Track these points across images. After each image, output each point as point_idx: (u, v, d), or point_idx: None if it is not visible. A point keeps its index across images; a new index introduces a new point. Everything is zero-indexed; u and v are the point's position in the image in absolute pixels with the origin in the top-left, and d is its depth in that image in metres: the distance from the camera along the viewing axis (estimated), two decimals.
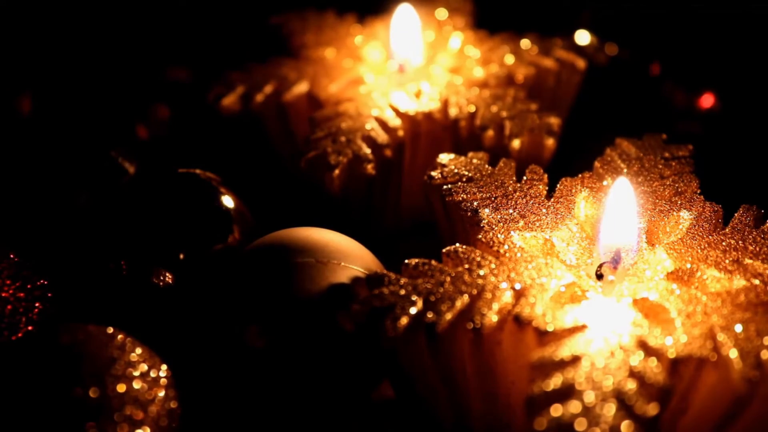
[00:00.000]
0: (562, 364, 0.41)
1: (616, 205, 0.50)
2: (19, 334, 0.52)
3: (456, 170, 0.55)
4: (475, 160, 0.56)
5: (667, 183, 0.55)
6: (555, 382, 0.40)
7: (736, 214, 0.51)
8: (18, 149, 0.71)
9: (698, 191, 0.54)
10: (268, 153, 0.71)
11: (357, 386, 0.51)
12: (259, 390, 0.51)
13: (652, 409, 0.39)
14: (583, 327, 0.42)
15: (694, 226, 0.51)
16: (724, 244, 0.49)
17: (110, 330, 0.46)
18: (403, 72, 0.70)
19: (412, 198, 0.67)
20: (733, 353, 0.41)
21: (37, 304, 0.53)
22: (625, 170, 0.56)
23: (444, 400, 0.48)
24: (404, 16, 0.71)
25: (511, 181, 0.54)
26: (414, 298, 0.44)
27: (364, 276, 0.48)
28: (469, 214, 0.51)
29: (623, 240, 0.49)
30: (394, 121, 0.63)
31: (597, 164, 0.57)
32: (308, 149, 0.61)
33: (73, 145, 0.69)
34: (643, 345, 0.41)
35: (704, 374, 0.42)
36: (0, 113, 0.77)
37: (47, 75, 0.82)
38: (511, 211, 0.51)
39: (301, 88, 0.68)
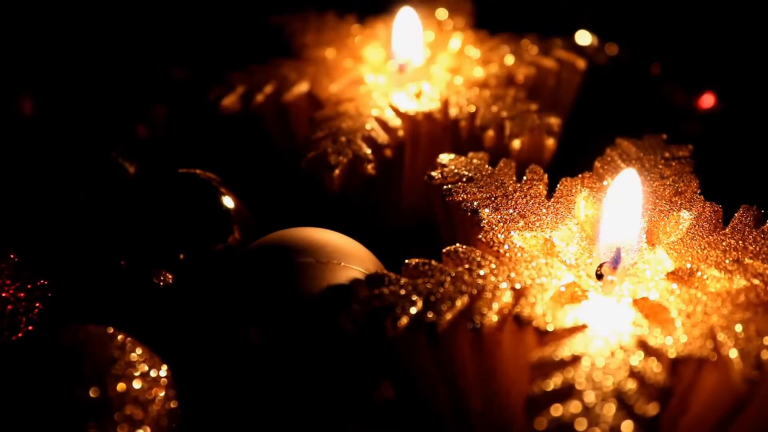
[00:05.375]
0: (562, 364, 0.41)
1: (620, 200, 0.49)
2: (19, 334, 0.52)
3: (456, 170, 0.55)
4: (475, 160, 0.56)
5: (667, 183, 0.55)
6: (555, 382, 0.40)
7: (736, 214, 0.51)
8: (18, 149, 0.71)
9: (698, 191, 0.54)
10: (268, 153, 0.71)
11: (357, 386, 0.51)
12: (259, 390, 0.51)
13: (652, 409, 0.39)
14: (583, 327, 0.42)
15: (694, 226, 0.51)
16: (724, 244, 0.49)
17: (110, 330, 0.46)
18: (403, 72, 0.70)
19: (412, 198, 0.67)
20: (733, 353, 0.41)
21: (37, 304, 0.53)
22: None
23: (444, 400, 0.48)
24: (406, 18, 0.71)
25: (511, 181, 0.54)
26: (414, 298, 0.44)
27: (364, 276, 0.48)
28: (469, 214, 0.51)
29: (623, 239, 0.49)
30: (394, 121, 0.63)
31: (597, 164, 0.57)
32: (308, 149, 0.61)
33: (73, 145, 0.69)
34: (643, 345, 0.41)
35: (704, 374, 0.42)
36: (0, 113, 0.77)
37: (48, 75, 0.82)
38: (511, 211, 0.51)
39: (302, 88, 0.68)
